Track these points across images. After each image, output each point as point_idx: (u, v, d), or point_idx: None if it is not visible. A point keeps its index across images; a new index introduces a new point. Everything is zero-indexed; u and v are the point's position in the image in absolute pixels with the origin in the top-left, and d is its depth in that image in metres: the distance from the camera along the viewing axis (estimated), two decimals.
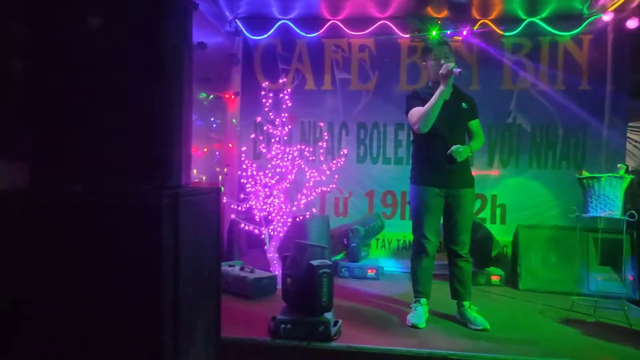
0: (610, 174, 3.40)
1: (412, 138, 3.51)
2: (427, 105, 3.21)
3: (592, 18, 4.68)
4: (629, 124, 4.97)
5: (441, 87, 3.17)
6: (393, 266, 4.98)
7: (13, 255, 1.68)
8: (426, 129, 3.23)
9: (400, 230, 5.04)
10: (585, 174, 3.50)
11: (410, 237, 4.95)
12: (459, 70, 3.13)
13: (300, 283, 2.90)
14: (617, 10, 4.53)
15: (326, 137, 4.97)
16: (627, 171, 3.48)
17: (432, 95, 3.22)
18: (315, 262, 2.88)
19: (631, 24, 4.50)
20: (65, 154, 1.75)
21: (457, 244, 3.31)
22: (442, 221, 3.40)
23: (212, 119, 4.94)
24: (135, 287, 1.65)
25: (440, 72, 3.16)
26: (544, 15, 4.75)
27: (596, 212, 3.43)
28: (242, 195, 4.48)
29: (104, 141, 1.73)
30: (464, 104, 3.36)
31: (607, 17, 4.60)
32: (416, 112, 3.28)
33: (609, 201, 3.36)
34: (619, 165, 3.52)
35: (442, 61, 3.22)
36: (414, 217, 3.40)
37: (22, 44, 1.75)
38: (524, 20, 4.79)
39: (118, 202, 1.66)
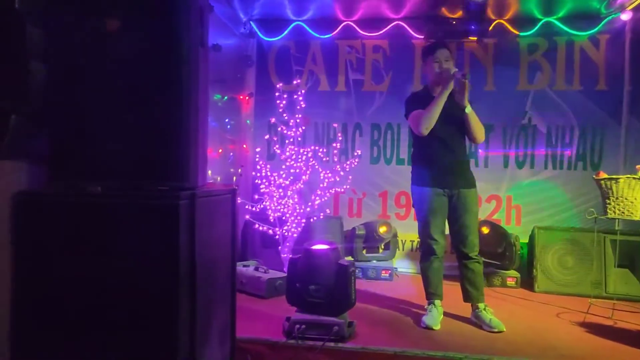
0: (628, 176, 3.36)
1: (411, 141, 3.49)
2: (429, 109, 3.21)
3: (610, 17, 4.62)
4: None
5: (442, 90, 3.19)
6: (407, 267, 4.96)
7: (30, 254, 1.71)
8: (427, 131, 3.23)
9: (414, 231, 4.98)
10: (603, 175, 3.46)
11: None
12: (460, 73, 3.12)
13: (329, 286, 2.93)
14: (636, 9, 4.46)
15: (340, 138, 4.97)
16: None
17: (431, 97, 3.26)
18: (344, 262, 2.96)
19: None
20: (82, 155, 1.78)
21: (466, 245, 3.28)
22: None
23: (226, 120, 4.97)
24: (151, 287, 1.67)
25: (442, 74, 3.19)
26: (560, 15, 4.70)
27: (614, 214, 3.38)
28: (256, 196, 4.51)
29: (121, 143, 1.75)
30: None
31: (625, 16, 4.52)
32: (417, 115, 3.28)
33: (627, 203, 3.32)
34: (637, 166, 3.47)
35: (444, 64, 3.25)
36: (420, 219, 3.39)
37: (39, 48, 1.77)
38: (540, 20, 4.75)
39: (135, 203, 1.68)
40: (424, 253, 3.39)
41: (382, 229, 4.67)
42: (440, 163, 3.27)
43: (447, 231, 3.42)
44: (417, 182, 3.40)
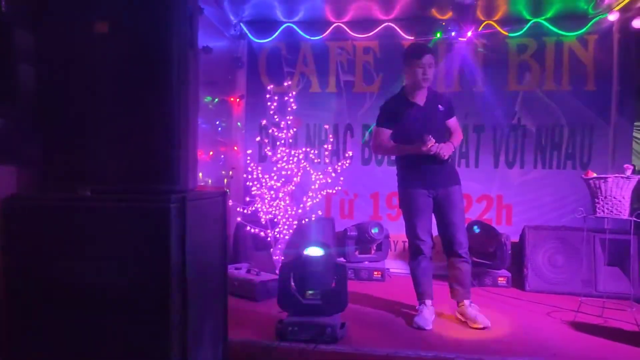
0: (617, 175, 3.39)
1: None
2: (391, 149, 3.43)
3: (598, 18, 4.66)
4: (636, 124, 4.94)
5: (414, 150, 3.21)
6: (399, 268, 4.97)
7: (21, 259, 1.70)
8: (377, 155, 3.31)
9: None
10: (592, 174, 3.48)
11: None
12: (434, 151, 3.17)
13: (327, 287, 3.00)
14: (623, 10, 4.51)
15: (331, 140, 4.98)
16: (634, 171, 3.46)
17: (406, 103, 3.32)
18: (340, 261, 3.08)
19: (637, 23, 4.42)
20: (73, 159, 1.77)
21: (454, 244, 3.30)
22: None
23: (217, 123, 4.96)
24: (143, 290, 1.66)
25: (425, 148, 3.15)
26: (548, 15, 4.74)
27: (603, 213, 3.41)
28: (247, 198, 4.50)
29: (111, 146, 1.74)
30: (439, 106, 3.37)
31: (612, 17, 4.57)
32: (378, 138, 3.40)
33: (616, 202, 3.35)
34: (626, 165, 3.50)
35: (427, 72, 3.24)
36: (406, 220, 3.42)
37: (28, 51, 1.76)
38: (529, 20, 4.78)
39: (126, 206, 1.68)
40: (412, 253, 3.41)
41: (374, 230, 4.68)
42: (423, 164, 3.27)
43: (435, 233, 3.46)
44: (401, 184, 3.44)
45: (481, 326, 3.13)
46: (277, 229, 4.30)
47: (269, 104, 4.43)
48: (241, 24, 5.14)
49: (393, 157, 3.49)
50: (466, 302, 3.29)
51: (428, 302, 3.34)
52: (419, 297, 3.38)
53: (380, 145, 3.44)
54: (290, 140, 4.47)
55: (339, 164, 4.57)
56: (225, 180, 4.83)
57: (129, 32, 1.74)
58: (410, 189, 3.35)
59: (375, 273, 4.59)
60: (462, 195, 3.44)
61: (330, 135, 5.02)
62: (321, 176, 4.45)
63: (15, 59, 1.72)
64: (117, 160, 1.74)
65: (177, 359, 1.69)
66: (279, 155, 4.39)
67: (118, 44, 1.74)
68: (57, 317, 1.69)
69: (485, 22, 4.83)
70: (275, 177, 4.36)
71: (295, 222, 4.32)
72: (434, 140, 3.15)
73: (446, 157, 3.22)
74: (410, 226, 3.38)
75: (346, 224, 4.95)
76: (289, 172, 4.37)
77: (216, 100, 4.88)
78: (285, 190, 4.32)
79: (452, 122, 3.45)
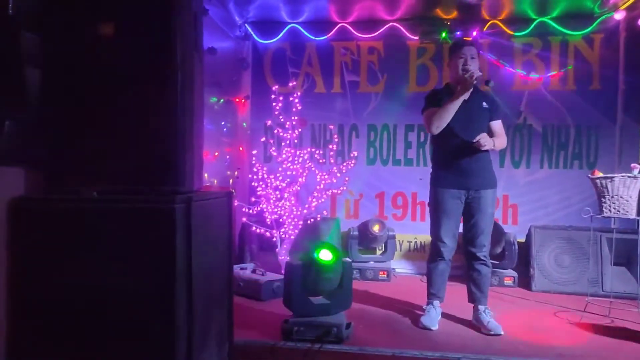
0: (623, 174, 3.37)
1: (429, 140, 3.46)
2: (442, 107, 3.11)
3: (604, 17, 4.64)
4: None
5: (460, 90, 3.07)
6: (405, 268, 4.97)
7: (27, 260, 1.71)
8: (438, 130, 3.14)
9: (412, 231, 5.02)
10: (598, 174, 3.47)
11: (421, 238, 4.98)
12: (485, 79, 3.05)
13: (336, 286, 3.02)
14: (629, 9, 4.48)
15: (336, 140, 4.98)
16: None
17: (449, 97, 3.14)
18: (346, 259, 3.08)
19: None
20: (79, 160, 1.78)
21: (475, 245, 3.25)
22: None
23: (222, 123, 4.97)
24: (148, 292, 1.67)
25: (464, 75, 3.03)
26: (554, 14, 4.73)
27: (610, 213, 3.40)
28: (253, 199, 4.51)
29: (116, 147, 1.75)
30: (484, 103, 3.25)
31: (618, 16, 4.55)
32: (430, 113, 3.20)
33: (622, 201, 3.33)
34: (632, 165, 3.48)
35: (469, 62, 3.13)
36: (432, 220, 3.36)
37: (34, 53, 1.77)
38: (534, 20, 4.77)
39: (131, 207, 1.68)
40: (432, 254, 3.38)
41: (375, 227, 4.66)
42: (459, 164, 3.18)
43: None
44: (434, 182, 3.33)
45: (492, 333, 3.09)
46: (282, 229, 4.30)
47: (274, 104, 4.44)
48: (246, 25, 5.15)
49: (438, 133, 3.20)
50: (481, 307, 3.25)
51: (436, 303, 3.33)
52: (429, 297, 3.36)
53: (433, 118, 3.16)
54: (296, 141, 4.48)
55: (344, 164, 4.57)
56: (231, 180, 4.84)
57: (133, 33, 1.74)
58: (441, 189, 3.25)
59: (381, 273, 4.59)
60: (495, 200, 3.33)
61: (335, 136, 5.03)
62: (326, 176, 4.46)
63: (22, 61, 1.73)
64: (123, 162, 1.75)
65: (183, 359, 1.70)
66: (284, 156, 4.40)
67: (123, 45, 1.75)
68: (63, 318, 1.70)
69: (491, 22, 4.82)
70: (280, 178, 4.38)
71: (301, 222, 4.33)
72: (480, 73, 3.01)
73: (483, 147, 3.08)
74: (435, 227, 3.32)
75: (351, 224, 4.95)
76: (294, 173, 4.38)
77: (221, 101, 4.89)
78: (291, 190, 4.33)
79: (496, 125, 3.30)
